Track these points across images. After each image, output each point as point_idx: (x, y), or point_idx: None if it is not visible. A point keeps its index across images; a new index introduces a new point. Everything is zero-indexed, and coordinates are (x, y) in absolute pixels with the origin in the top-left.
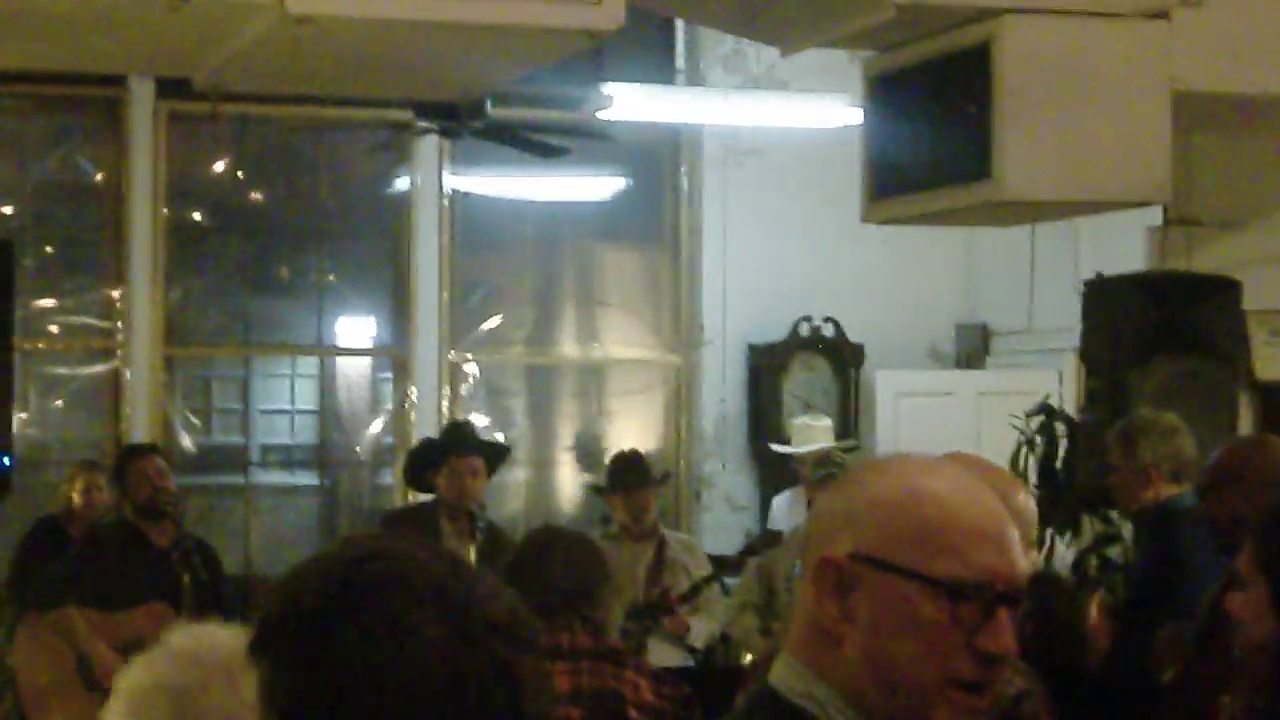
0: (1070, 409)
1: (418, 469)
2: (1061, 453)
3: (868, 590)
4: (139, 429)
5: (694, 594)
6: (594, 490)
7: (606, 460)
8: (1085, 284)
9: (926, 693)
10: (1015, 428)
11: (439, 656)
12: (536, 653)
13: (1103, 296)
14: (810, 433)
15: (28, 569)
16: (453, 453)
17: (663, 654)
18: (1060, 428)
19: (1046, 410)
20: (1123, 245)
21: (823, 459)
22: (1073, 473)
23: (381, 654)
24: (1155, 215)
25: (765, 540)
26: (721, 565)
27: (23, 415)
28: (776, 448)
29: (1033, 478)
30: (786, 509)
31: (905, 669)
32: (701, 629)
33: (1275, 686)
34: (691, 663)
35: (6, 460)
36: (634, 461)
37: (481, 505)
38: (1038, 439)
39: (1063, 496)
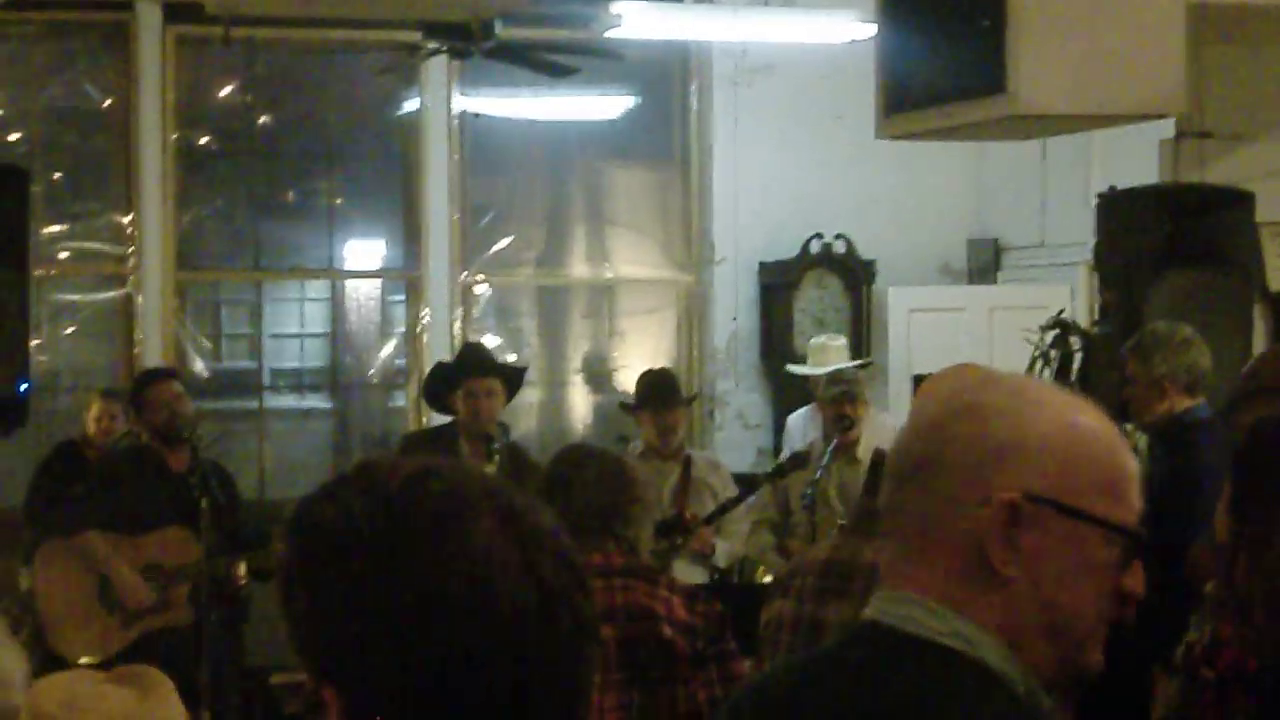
0: (1083, 323)
1: (435, 391)
2: (1076, 366)
3: (1044, 531)
4: (151, 354)
5: (719, 514)
6: (622, 408)
7: (617, 380)
8: (1098, 197)
9: (1089, 634)
10: (1029, 342)
11: (507, 570)
12: (582, 580)
13: (1116, 209)
14: (826, 353)
15: (46, 495)
16: (468, 375)
17: (683, 574)
18: (1074, 341)
19: (1060, 324)
20: (1134, 159)
21: (835, 377)
22: (1087, 386)
23: (454, 572)
24: (1168, 128)
25: (794, 462)
26: (750, 486)
27: (35, 342)
28: (793, 368)
29: None
30: (802, 427)
31: (1077, 612)
32: (725, 549)
33: (1227, 580)
34: (708, 581)
35: (24, 386)
36: (664, 379)
37: (503, 426)
38: (1052, 353)
39: None
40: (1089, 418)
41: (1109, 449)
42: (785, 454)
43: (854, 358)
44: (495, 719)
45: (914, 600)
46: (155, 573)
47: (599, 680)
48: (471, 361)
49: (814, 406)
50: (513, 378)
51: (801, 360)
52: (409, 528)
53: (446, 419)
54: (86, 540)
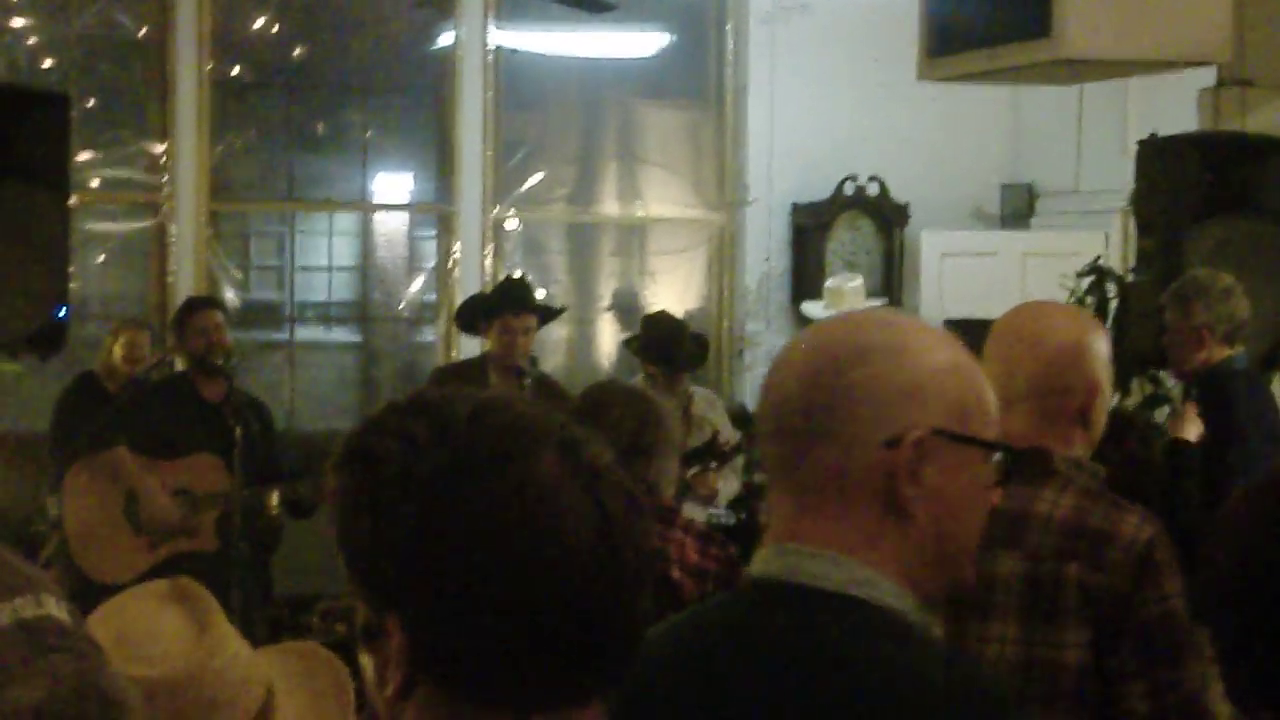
0: (1117, 271)
1: (469, 319)
2: (1112, 313)
3: (942, 465)
4: (183, 284)
5: (729, 458)
6: (626, 345)
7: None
8: (1139, 144)
9: (972, 555)
10: (1065, 288)
11: (572, 501)
12: (641, 510)
13: (1157, 156)
14: (840, 295)
15: (67, 424)
16: (508, 310)
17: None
18: (1111, 289)
19: (1097, 271)
20: (1171, 106)
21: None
22: (1123, 333)
23: (522, 502)
24: (1208, 76)
25: None
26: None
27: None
28: (808, 310)
29: None
30: None
31: (968, 536)
32: (723, 489)
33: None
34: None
35: (63, 312)
36: (680, 339)
37: (532, 359)
38: (1088, 300)
39: (1113, 357)
40: (960, 352)
41: (981, 379)
42: None
43: (879, 298)
44: (560, 649)
45: (812, 553)
46: (184, 497)
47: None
48: (513, 296)
49: None
50: (548, 316)
51: None
52: (477, 458)
53: (474, 353)
54: (115, 455)
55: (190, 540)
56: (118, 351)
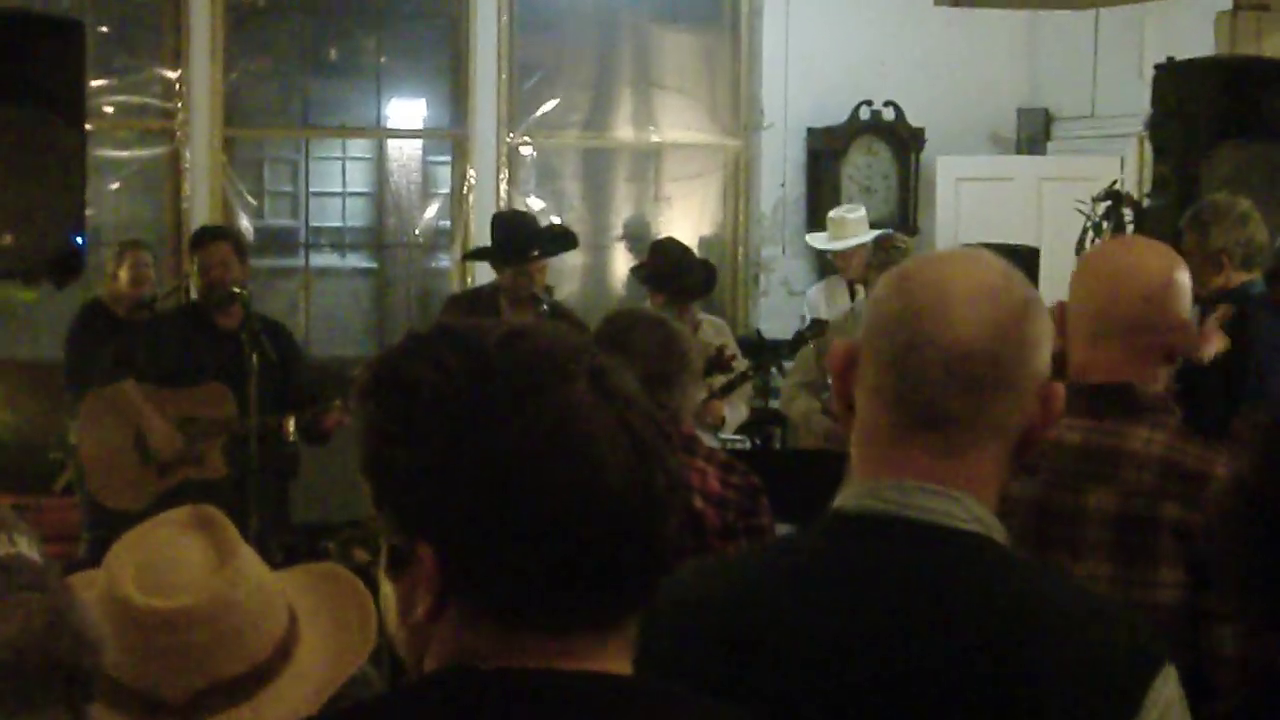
0: (1134, 194)
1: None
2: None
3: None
4: (198, 211)
5: (736, 385)
6: (634, 273)
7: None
8: (1155, 68)
9: None
10: (1081, 213)
11: (605, 427)
12: (668, 436)
13: (1174, 81)
14: (844, 226)
15: (79, 352)
16: (515, 262)
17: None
18: (1127, 213)
19: (1113, 195)
20: (1188, 30)
21: (882, 243)
22: None
23: (556, 428)
24: (1225, 0)
25: (814, 329)
26: (772, 352)
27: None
28: (812, 240)
29: None
30: (822, 299)
31: None
32: (732, 417)
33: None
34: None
35: (80, 240)
36: (688, 268)
37: (548, 288)
38: (1104, 224)
39: None
40: None
41: None
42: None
43: (897, 225)
44: (593, 572)
45: (921, 487)
46: (190, 425)
47: None
48: (519, 243)
49: (835, 279)
50: (560, 246)
51: None
52: (510, 385)
53: (488, 278)
54: (122, 390)
55: (198, 468)
56: (123, 275)
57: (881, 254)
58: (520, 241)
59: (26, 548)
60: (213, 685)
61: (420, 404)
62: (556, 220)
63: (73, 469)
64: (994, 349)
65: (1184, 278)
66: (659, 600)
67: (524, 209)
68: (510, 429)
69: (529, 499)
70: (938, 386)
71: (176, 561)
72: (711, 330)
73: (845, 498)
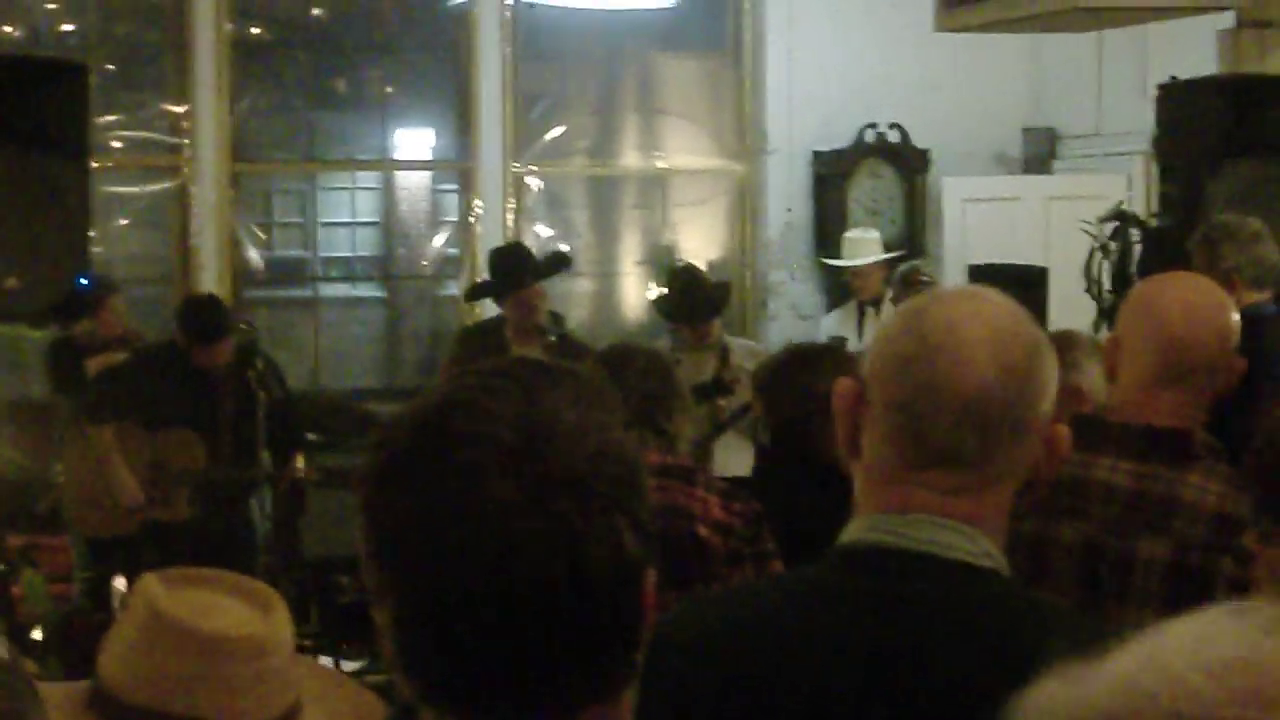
0: (1139, 213)
1: (481, 297)
2: (1135, 258)
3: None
4: (206, 246)
5: (743, 413)
6: (654, 306)
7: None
8: (1159, 87)
9: None
10: (1087, 233)
11: (500, 516)
12: (616, 504)
13: (1178, 99)
14: (858, 246)
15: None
16: (511, 291)
17: (733, 457)
18: (1134, 234)
19: (1120, 216)
20: (1192, 48)
21: (908, 277)
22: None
23: (440, 509)
24: (1227, 19)
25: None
26: None
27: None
28: (830, 261)
29: (1106, 283)
30: (836, 327)
31: None
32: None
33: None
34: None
35: (84, 280)
36: (695, 291)
37: (556, 316)
38: (1111, 245)
39: None
40: None
41: None
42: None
43: (903, 246)
44: (530, 659)
45: (931, 521)
46: (157, 472)
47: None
48: (511, 277)
49: (850, 305)
50: (554, 269)
51: None
52: (412, 460)
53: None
54: (97, 434)
55: (164, 509)
56: (116, 316)
57: (908, 289)
58: (514, 272)
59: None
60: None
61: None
62: (565, 248)
63: (53, 495)
64: (1006, 394)
65: (1238, 316)
66: (664, 633)
67: (532, 238)
68: (405, 514)
69: (427, 581)
70: (951, 428)
71: (227, 607)
72: (744, 354)
73: (852, 532)
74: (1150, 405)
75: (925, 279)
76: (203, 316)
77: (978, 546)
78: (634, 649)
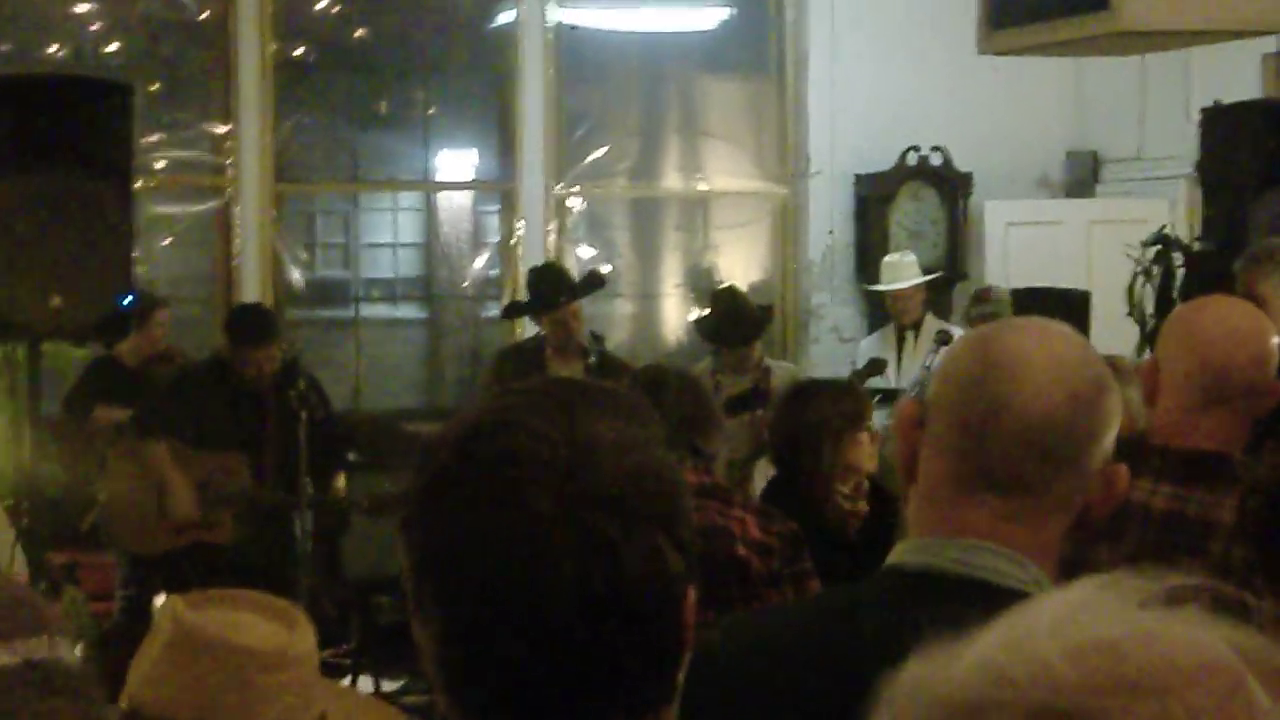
0: (1182, 236)
1: (519, 315)
2: (1178, 282)
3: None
4: (249, 266)
5: None
6: (696, 326)
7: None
8: (1202, 111)
9: None
10: (1130, 257)
11: (541, 533)
12: (656, 521)
13: (1220, 123)
14: (897, 269)
15: (83, 403)
16: (547, 310)
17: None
18: (1176, 258)
19: (1163, 240)
20: (1235, 72)
21: (981, 296)
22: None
23: (482, 527)
24: (1270, 43)
25: (871, 368)
26: None
27: (134, 254)
28: (869, 286)
29: (1149, 307)
30: (876, 349)
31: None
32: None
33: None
34: None
35: (128, 299)
36: (737, 313)
37: (596, 337)
38: (1154, 269)
39: None
40: None
41: None
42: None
43: (946, 269)
44: (557, 682)
45: (983, 547)
46: (204, 492)
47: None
48: (546, 297)
49: (889, 329)
50: (590, 289)
51: None
52: (452, 479)
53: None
54: (149, 447)
55: (209, 532)
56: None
57: (980, 306)
58: (549, 290)
59: (66, 651)
60: None
61: (406, 498)
62: (606, 268)
63: (93, 513)
64: (1071, 422)
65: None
66: (706, 652)
67: (573, 259)
68: (445, 533)
69: (472, 604)
70: (1013, 454)
71: (254, 623)
72: (783, 375)
73: (902, 553)
74: (1190, 428)
75: (998, 298)
76: (250, 320)
77: (1029, 574)
78: (675, 668)
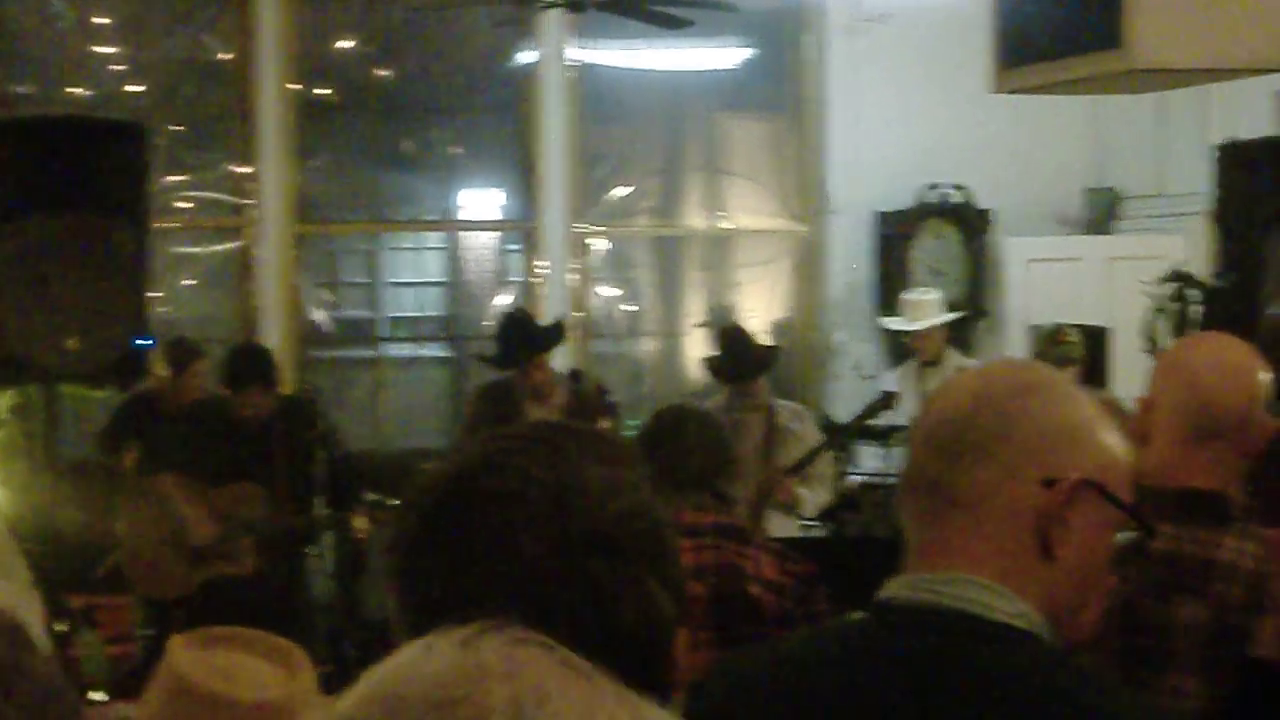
0: (1202, 272)
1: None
2: (1194, 318)
3: (1088, 515)
4: (270, 306)
5: (806, 463)
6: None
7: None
8: (1218, 148)
9: (1090, 610)
10: (1147, 294)
11: (530, 575)
12: (645, 562)
13: (1236, 160)
14: (919, 308)
15: (114, 442)
16: (508, 368)
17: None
18: (1193, 294)
19: (1179, 276)
20: (1254, 109)
21: (1055, 337)
22: None
23: (471, 569)
24: None
25: (881, 403)
26: (838, 433)
27: (154, 295)
28: (888, 323)
29: (1166, 343)
30: (896, 385)
31: (1093, 590)
32: (811, 499)
33: None
34: (805, 531)
35: (140, 342)
36: (742, 350)
37: (576, 374)
38: (1171, 305)
39: None
40: (1104, 410)
41: (1122, 440)
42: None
43: (966, 306)
44: None
45: (969, 580)
46: (221, 524)
47: (688, 638)
48: (511, 355)
49: (911, 364)
50: (556, 340)
51: None
52: (443, 522)
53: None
54: (162, 483)
55: (232, 563)
56: (184, 377)
57: (1055, 348)
58: (513, 346)
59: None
60: None
61: (391, 541)
62: (631, 309)
63: (113, 556)
64: (974, 418)
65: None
66: (701, 688)
67: (595, 298)
68: (437, 574)
69: None
70: (923, 457)
71: (254, 668)
72: (790, 415)
73: (888, 587)
74: (1184, 466)
75: (1072, 340)
76: (239, 362)
77: (1014, 607)
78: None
